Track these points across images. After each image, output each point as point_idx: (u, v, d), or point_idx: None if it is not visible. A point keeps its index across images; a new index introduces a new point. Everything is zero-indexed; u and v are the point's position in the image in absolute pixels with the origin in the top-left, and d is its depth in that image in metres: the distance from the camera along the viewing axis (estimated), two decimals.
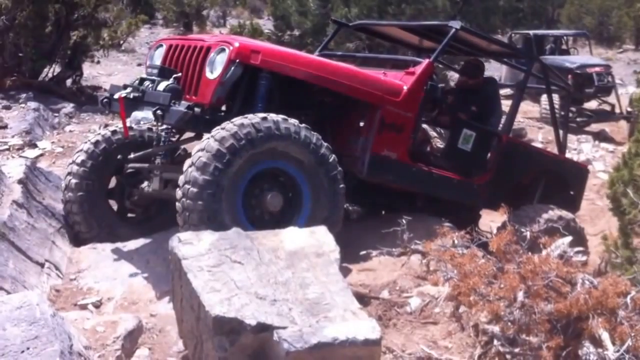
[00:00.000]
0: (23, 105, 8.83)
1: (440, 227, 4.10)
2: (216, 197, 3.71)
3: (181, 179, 3.78)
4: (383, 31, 6.40)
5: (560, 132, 6.20)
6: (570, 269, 3.24)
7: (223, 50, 4.12)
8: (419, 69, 4.74)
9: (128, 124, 4.25)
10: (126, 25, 11.98)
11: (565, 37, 15.51)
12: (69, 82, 10.69)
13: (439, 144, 5.33)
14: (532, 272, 3.16)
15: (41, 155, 7.18)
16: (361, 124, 4.63)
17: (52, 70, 10.49)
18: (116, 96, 4.20)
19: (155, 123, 4.07)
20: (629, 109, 12.35)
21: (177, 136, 4.66)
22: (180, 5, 21.22)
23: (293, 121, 3.96)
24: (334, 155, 4.08)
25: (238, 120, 3.84)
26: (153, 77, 4.22)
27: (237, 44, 4.12)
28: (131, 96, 4.15)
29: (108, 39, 11.49)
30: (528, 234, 3.66)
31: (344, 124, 4.71)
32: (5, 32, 9.48)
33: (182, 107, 3.99)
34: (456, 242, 3.83)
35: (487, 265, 3.35)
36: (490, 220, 5.96)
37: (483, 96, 5.63)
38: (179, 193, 3.77)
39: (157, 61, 4.48)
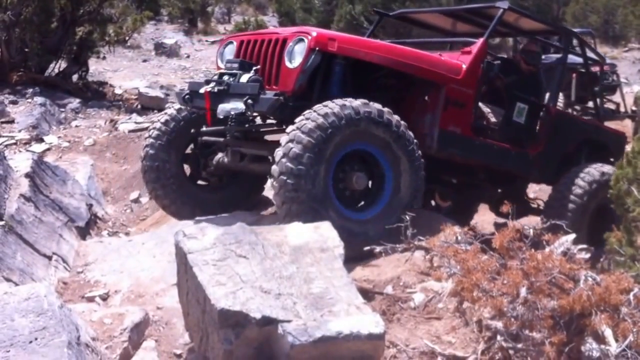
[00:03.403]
0: (30, 100, 8.88)
1: (444, 223, 4.12)
2: (317, 156, 3.96)
3: (284, 139, 4.03)
4: (423, 19, 6.54)
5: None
6: (574, 265, 3.26)
7: (302, 40, 4.34)
8: (475, 48, 5.01)
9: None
10: (131, 21, 12.02)
11: None
12: (75, 77, 10.74)
13: (492, 118, 5.55)
14: (535, 268, 3.17)
15: (48, 149, 7.23)
16: (425, 102, 4.88)
17: (58, 66, 10.53)
18: (202, 91, 4.39)
19: (245, 112, 4.25)
20: (633, 108, 12.31)
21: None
22: (185, 2, 21.25)
23: (388, 110, 4.22)
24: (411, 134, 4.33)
25: (340, 101, 4.10)
26: (234, 71, 4.42)
27: (314, 34, 4.35)
28: (216, 90, 4.35)
29: (113, 35, 11.55)
30: (531, 231, 3.67)
31: (408, 104, 4.92)
32: (11, 28, 9.52)
33: (270, 95, 4.22)
34: (459, 238, 3.85)
35: (491, 261, 3.37)
36: (491, 218, 6.00)
37: (539, 79, 5.90)
38: (278, 150, 4.00)
39: (229, 57, 4.69)
